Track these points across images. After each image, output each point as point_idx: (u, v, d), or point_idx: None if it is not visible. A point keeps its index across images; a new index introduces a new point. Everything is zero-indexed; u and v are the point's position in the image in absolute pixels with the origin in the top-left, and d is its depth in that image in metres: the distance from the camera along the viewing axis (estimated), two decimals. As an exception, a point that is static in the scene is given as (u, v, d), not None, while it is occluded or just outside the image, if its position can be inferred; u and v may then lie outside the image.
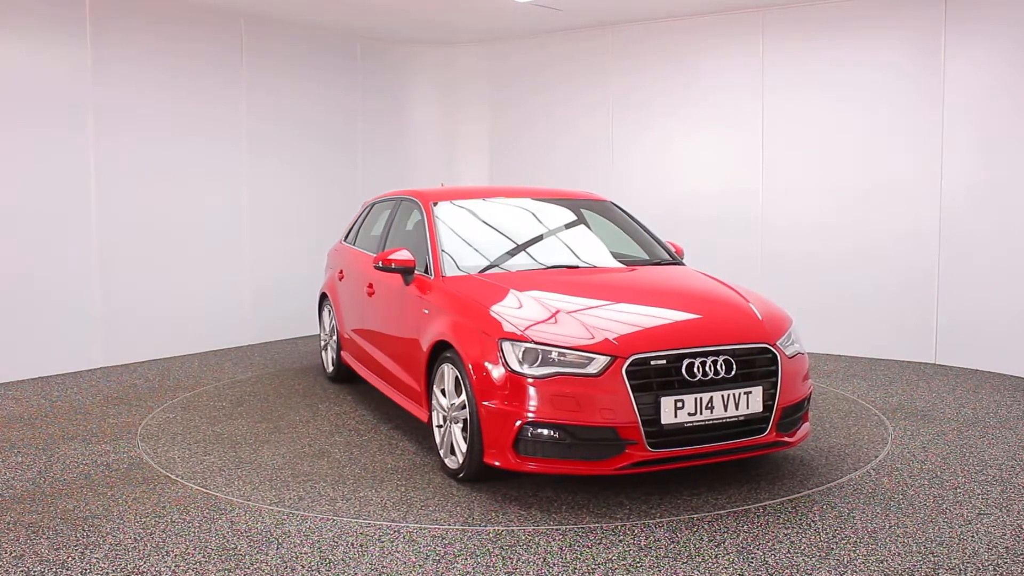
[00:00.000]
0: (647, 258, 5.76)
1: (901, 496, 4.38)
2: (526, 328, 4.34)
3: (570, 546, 3.79)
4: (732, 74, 8.54)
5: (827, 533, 3.92)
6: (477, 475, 4.51)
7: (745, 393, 4.29)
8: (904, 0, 7.65)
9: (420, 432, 5.58)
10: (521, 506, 4.27)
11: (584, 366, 4.15)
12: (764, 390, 4.35)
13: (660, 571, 3.54)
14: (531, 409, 4.16)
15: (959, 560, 3.63)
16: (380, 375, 5.94)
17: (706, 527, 3.99)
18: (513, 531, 3.96)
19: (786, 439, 4.52)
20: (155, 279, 8.00)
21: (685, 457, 4.24)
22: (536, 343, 4.24)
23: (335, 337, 7.05)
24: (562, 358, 4.19)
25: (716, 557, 3.67)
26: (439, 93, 10.49)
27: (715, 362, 4.27)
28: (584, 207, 6.14)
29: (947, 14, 7.43)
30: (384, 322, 5.84)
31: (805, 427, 4.75)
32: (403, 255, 5.38)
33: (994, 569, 3.54)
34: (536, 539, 3.86)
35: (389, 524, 4.05)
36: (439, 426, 4.84)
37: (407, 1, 8.25)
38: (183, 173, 8.21)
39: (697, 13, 8.62)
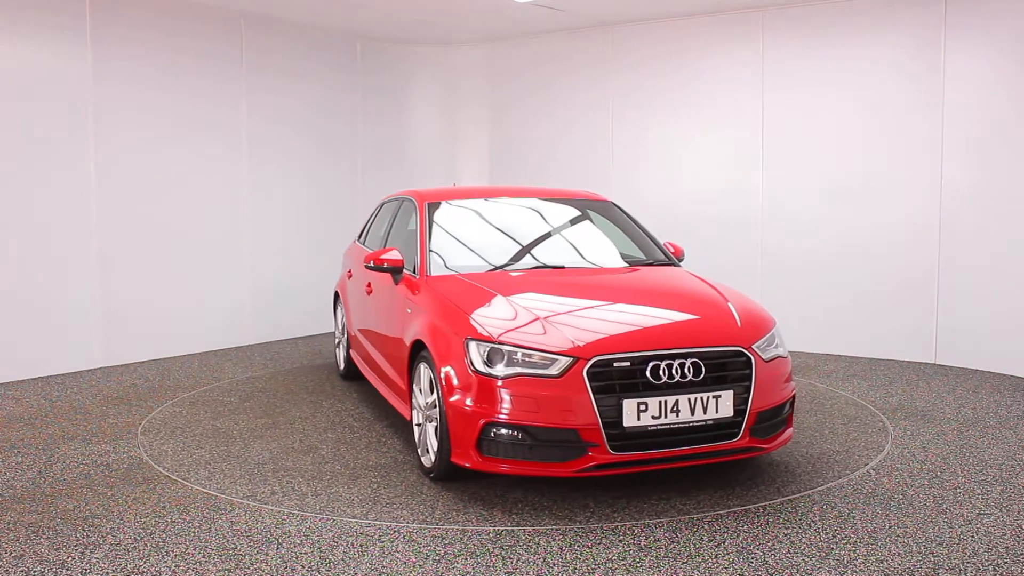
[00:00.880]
0: (641, 259, 5.71)
1: (901, 496, 4.38)
2: (493, 328, 4.34)
3: (570, 546, 3.79)
4: (732, 73, 8.54)
5: (827, 533, 3.92)
6: (447, 474, 4.53)
7: (714, 397, 4.20)
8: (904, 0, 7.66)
9: (410, 431, 5.59)
10: (483, 506, 4.27)
11: (546, 367, 4.14)
12: (736, 394, 4.26)
13: (660, 571, 3.54)
14: (494, 409, 4.16)
15: (959, 560, 3.63)
16: (376, 373, 5.98)
17: (706, 527, 3.99)
18: (513, 531, 3.96)
19: (761, 445, 4.41)
20: (155, 279, 8.00)
21: (651, 461, 4.18)
22: (500, 343, 4.24)
23: (345, 335, 7.10)
24: (525, 359, 4.18)
25: (716, 557, 3.67)
26: (439, 93, 10.49)
27: (682, 365, 4.19)
28: (584, 207, 6.13)
29: (947, 13, 7.43)
30: (378, 321, 5.90)
31: (787, 433, 4.65)
32: (392, 255, 5.43)
33: (994, 569, 3.54)
34: (536, 539, 3.87)
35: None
36: (418, 425, 4.87)
37: (407, 1, 8.25)
38: (183, 172, 8.21)
39: (697, 13, 8.62)
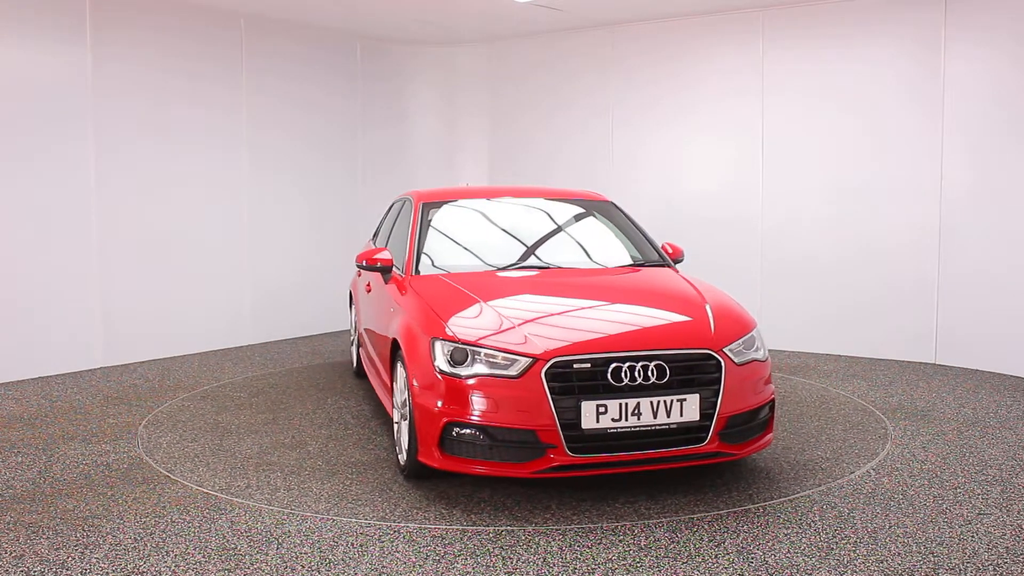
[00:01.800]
0: (635, 260, 5.64)
1: (901, 496, 4.38)
2: (459, 328, 4.35)
3: (570, 546, 3.79)
4: (732, 74, 8.55)
5: (827, 533, 3.92)
6: (418, 473, 4.55)
7: (679, 400, 4.13)
8: (904, 1, 7.66)
9: (397, 429, 5.65)
10: (445, 504, 4.29)
11: (506, 367, 4.13)
12: (704, 398, 4.18)
13: (660, 571, 3.54)
14: (456, 409, 4.17)
15: (959, 560, 3.63)
16: (373, 370, 6.02)
17: (706, 527, 3.99)
18: (513, 531, 3.96)
19: (731, 450, 4.32)
20: (155, 279, 8.00)
21: (611, 464, 4.14)
22: (464, 343, 4.24)
23: (356, 333, 7.17)
24: (488, 359, 4.17)
25: (716, 557, 3.67)
26: (439, 93, 10.49)
27: (645, 367, 4.12)
28: (583, 207, 6.12)
29: (947, 15, 7.43)
30: (373, 319, 5.96)
31: (766, 438, 4.56)
32: (383, 255, 5.49)
33: (994, 569, 3.54)
34: (536, 539, 3.87)
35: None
36: (396, 423, 4.90)
37: (407, 1, 8.25)
38: (183, 173, 8.21)
39: (697, 13, 8.62)
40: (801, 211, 8.27)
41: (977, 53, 7.31)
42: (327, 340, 9.09)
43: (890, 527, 3.98)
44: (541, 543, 3.82)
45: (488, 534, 3.92)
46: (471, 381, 4.16)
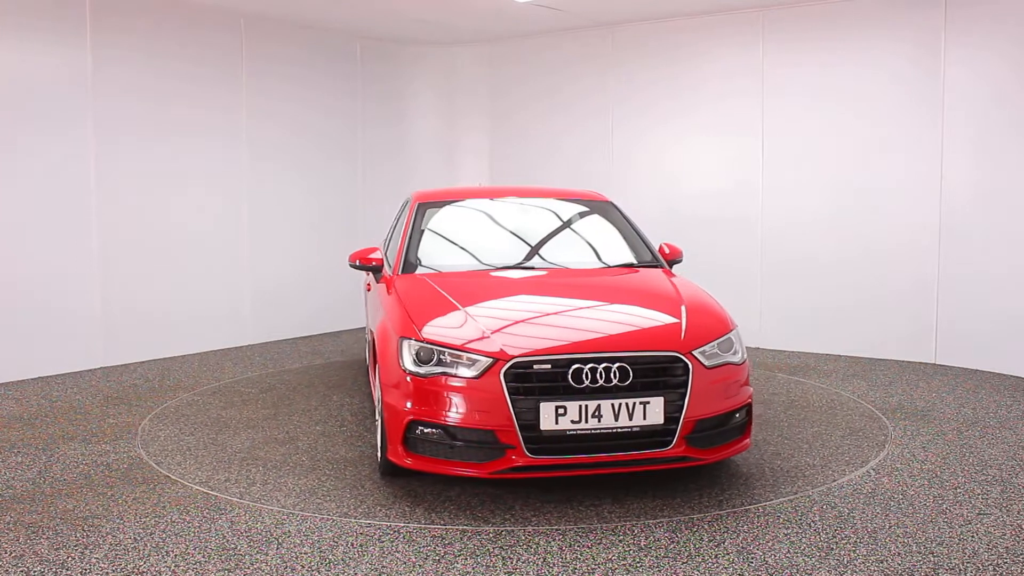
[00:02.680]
0: (626, 261, 5.58)
1: (901, 496, 4.38)
2: (426, 328, 4.36)
3: (570, 546, 3.79)
4: (732, 74, 8.54)
5: (827, 533, 3.92)
6: (393, 470, 4.58)
7: (642, 403, 4.07)
8: (904, 2, 7.66)
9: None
10: (410, 502, 4.32)
11: (468, 367, 4.14)
12: (670, 401, 4.13)
13: (660, 571, 3.54)
14: (418, 408, 4.18)
15: (959, 560, 3.63)
16: (372, 369, 6.05)
17: (706, 527, 3.99)
18: (513, 531, 3.96)
19: (699, 455, 4.25)
20: (155, 279, 8.00)
21: (571, 466, 4.12)
22: (429, 343, 4.26)
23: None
24: (450, 359, 4.19)
25: (716, 557, 3.67)
26: (439, 93, 10.49)
27: (608, 369, 4.08)
28: (581, 207, 6.09)
29: (947, 16, 7.43)
30: (368, 318, 6.03)
31: (742, 443, 4.50)
32: (374, 254, 5.55)
33: (994, 569, 3.54)
34: (536, 539, 3.87)
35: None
36: (377, 420, 4.93)
37: (407, 1, 8.25)
38: (183, 173, 8.21)
39: (697, 13, 8.62)
40: (801, 211, 8.27)
41: (977, 54, 7.30)
42: (328, 340, 9.09)
43: (890, 527, 3.98)
44: (541, 543, 3.82)
45: (488, 534, 3.93)
46: (433, 380, 4.18)
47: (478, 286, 5.02)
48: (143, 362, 7.88)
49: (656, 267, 5.53)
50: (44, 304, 7.25)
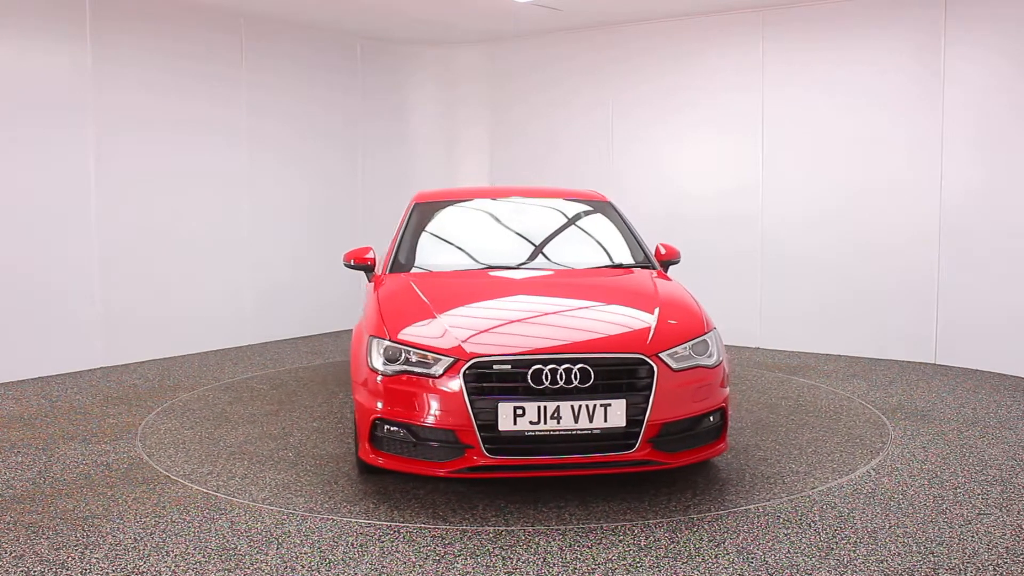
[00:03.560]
0: (616, 261, 5.52)
1: (901, 496, 4.38)
2: (395, 327, 4.39)
3: (570, 546, 3.79)
4: (732, 74, 8.54)
5: (827, 533, 3.92)
6: (365, 468, 4.62)
7: (603, 405, 4.03)
8: (904, 0, 7.65)
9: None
10: (376, 499, 4.36)
11: (430, 367, 4.16)
12: (633, 403, 4.07)
13: (660, 571, 3.54)
14: (383, 406, 4.22)
15: (959, 560, 3.63)
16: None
17: (706, 527, 3.99)
18: (513, 531, 3.96)
19: (664, 459, 4.18)
20: (155, 279, 8.00)
21: (530, 467, 4.11)
22: (396, 342, 4.29)
23: None
24: (415, 358, 4.21)
25: (716, 557, 3.67)
26: (439, 93, 10.49)
27: (568, 371, 4.04)
28: (578, 207, 6.04)
29: (947, 13, 7.43)
30: None
31: (716, 447, 4.42)
32: (368, 254, 5.58)
33: (994, 569, 3.54)
34: (536, 539, 3.87)
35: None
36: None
37: (407, 1, 8.25)
38: (183, 173, 8.21)
39: (697, 13, 8.62)
40: (801, 211, 8.27)
41: (977, 52, 7.30)
42: (328, 340, 9.09)
43: (890, 527, 3.98)
44: (541, 543, 3.82)
45: (488, 534, 3.93)
46: (397, 379, 4.22)
47: (457, 287, 5.07)
48: (143, 362, 7.88)
49: (647, 268, 5.46)
50: (44, 304, 7.25)
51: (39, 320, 7.23)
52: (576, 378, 4.04)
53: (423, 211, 5.84)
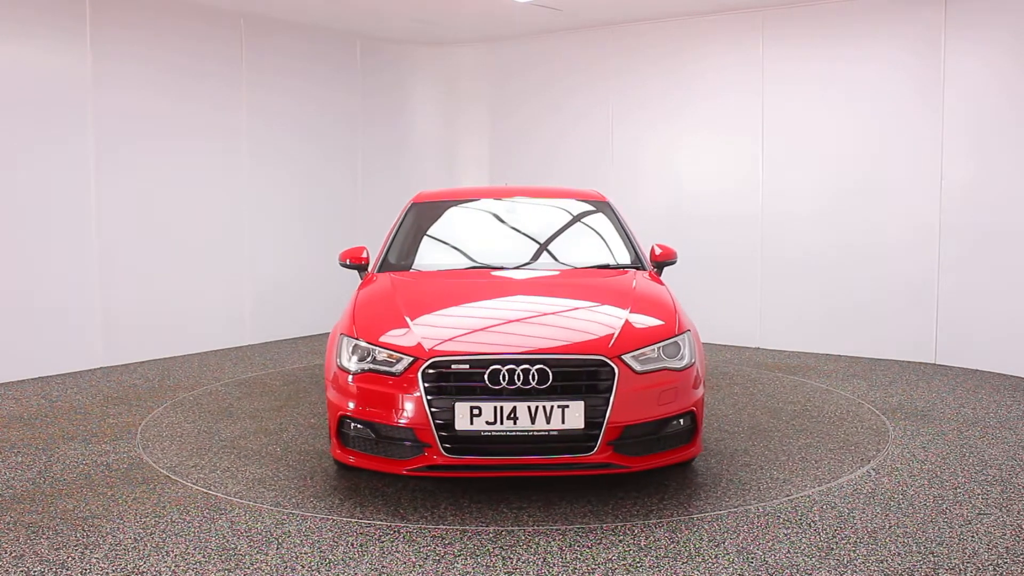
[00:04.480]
0: (603, 262, 5.46)
1: (901, 496, 4.38)
2: (363, 326, 4.45)
3: (570, 546, 3.79)
4: (732, 74, 8.55)
5: (827, 533, 3.92)
6: (343, 465, 4.65)
7: (560, 407, 4.00)
8: (904, 0, 7.65)
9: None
10: (341, 496, 4.44)
11: (392, 365, 4.20)
12: (593, 405, 4.03)
13: (660, 571, 3.54)
14: (348, 404, 4.28)
15: (959, 560, 3.63)
16: None
17: (706, 527, 3.99)
18: (513, 531, 3.96)
19: (625, 462, 4.12)
20: (155, 279, 8.00)
21: (488, 467, 4.10)
22: (363, 341, 4.35)
23: None
24: (379, 357, 4.25)
25: (716, 557, 3.67)
26: (439, 93, 10.49)
27: (527, 372, 4.02)
28: (575, 207, 5.99)
29: (947, 13, 7.43)
30: None
31: (687, 451, 4.35)
32: (362, 253, 5.62)
33: (994, 569, 3.54)
34: (536, 539, 3.87)
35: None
36: None
37: (407, 1, 8.25)
38: (183, 172, 8.21)
39: (697, 13, 8.63)
40: (801, 210, 8.27)
41: (977, 51, 7.31)
42: (327, 340, 9.08)
43: (890, 527, 3.98)
44: (541, 543, 3.82)
45: (488, 534, 3.93)
46: (362, 377, 4.27)
47: (435, 287, 5.11)
48: (143, 362, 7.88)
49: (637, 269, 5.38)
50: (44, 304, 7.25)
51: (39, 320, 7.23)
52: (534, 379, 4.03)
53: (419, 211, 5.87)
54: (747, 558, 3.65)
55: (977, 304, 7.38)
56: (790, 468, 4.83)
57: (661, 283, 5.11)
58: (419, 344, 4.18)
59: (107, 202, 7.63)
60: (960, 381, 6.97)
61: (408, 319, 4.42)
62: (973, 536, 3.88)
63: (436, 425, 4.04)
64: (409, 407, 4.10)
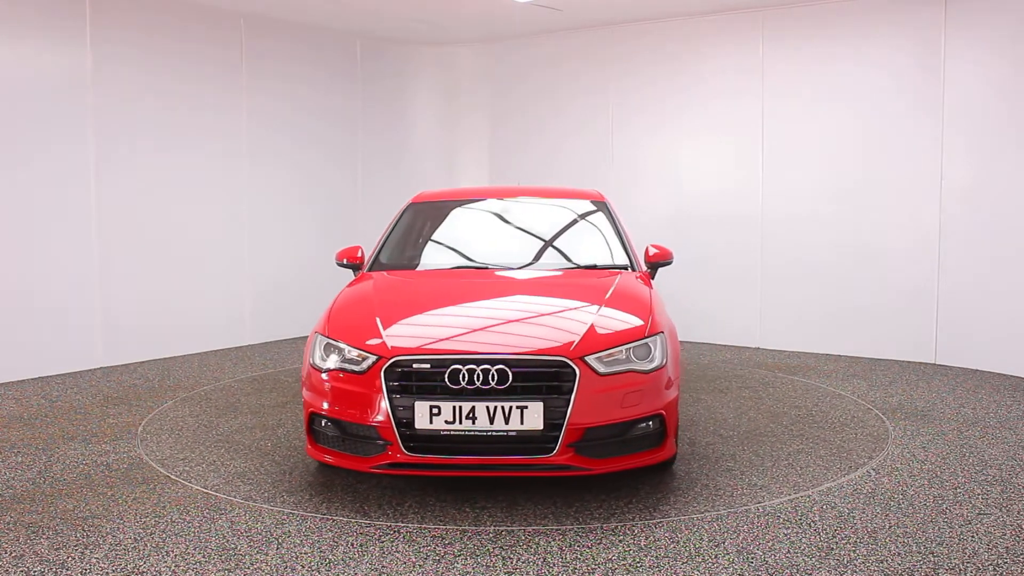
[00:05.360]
0: (593, 262, 5.43)
1: (901, 496, 4.38)
2: (335, 325, 4.51)
3: (570, 546, 3.79)
4: (732, 74, 8.55)
5: (827, 533, 3.92)
6: (322, 464, 4.72)
7: (519, 407, 4.00)
8: (904, 0, 7.66)
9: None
10: (311, 492, 4.48)
11: (358, 364, 4.24)
12: (553, 406, 4.02)
13: (660, 571, 3.54)
14: (318, 401, 4.36)
15: (959, 560, 3.63)
16: None
17: (706, 527, 3.99)
18: (513, 531, 3.96)
19: (586, 464, 4.09)
20: (155, 279, 8.00)
21: (449, 466, 4.12)
22: (333, 339, 4.40)
23: None
24: (348, 355, 4.30)
25: (716, 557, 3.67)
26: (439, 93, 10.49)
27: (487, 372, 4.04)
28: (572, 207, 5.95)
29: (946, 15, 7.43)
30: None
31: (656, 454, 4.29)
32: (357, 252, 5.65)
33: (994, 569, 3.54)
34: (536, 539, 3.87)
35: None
36: None
37: (407, 1, 8.25)
38: (183, 172, 8.21)
39: (697, 13, 8.63)
40: (801, 211, 8.27)
41: (977, 53, 7.31)
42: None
43: (890, 527, 3.98)
44: (541, 543, 3.82)
45: (488, 534, 3.93)
46: (331, 375, 4.33)
47: (414, 287, 5.17)
48: (143, 362, 7.88)
49: (627, 269, 5.34)
50: (44, 304, 7.25)
51: (39, 320, 7.23)
52: (494, 379, 4.05)
53: (415, 211, 5.90)
54: (747, 558, 3.65)
55: (977, 304, 7.38)
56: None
57: (648, 284, 5.06)
58: (383, 342, 4.24)
59: (107, 202, 7.63)
60: (960, 381, 6.97)
61: (379, 319, 4.46)
62: (973, 536, 3.88)
63: (397, 423, 4.09)
64: (373, 405, 4.15)
